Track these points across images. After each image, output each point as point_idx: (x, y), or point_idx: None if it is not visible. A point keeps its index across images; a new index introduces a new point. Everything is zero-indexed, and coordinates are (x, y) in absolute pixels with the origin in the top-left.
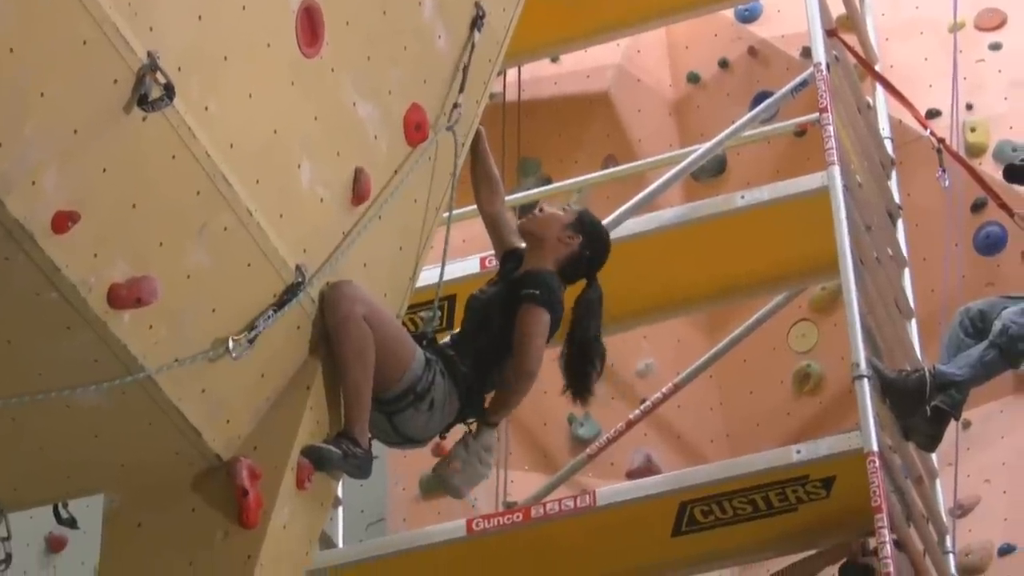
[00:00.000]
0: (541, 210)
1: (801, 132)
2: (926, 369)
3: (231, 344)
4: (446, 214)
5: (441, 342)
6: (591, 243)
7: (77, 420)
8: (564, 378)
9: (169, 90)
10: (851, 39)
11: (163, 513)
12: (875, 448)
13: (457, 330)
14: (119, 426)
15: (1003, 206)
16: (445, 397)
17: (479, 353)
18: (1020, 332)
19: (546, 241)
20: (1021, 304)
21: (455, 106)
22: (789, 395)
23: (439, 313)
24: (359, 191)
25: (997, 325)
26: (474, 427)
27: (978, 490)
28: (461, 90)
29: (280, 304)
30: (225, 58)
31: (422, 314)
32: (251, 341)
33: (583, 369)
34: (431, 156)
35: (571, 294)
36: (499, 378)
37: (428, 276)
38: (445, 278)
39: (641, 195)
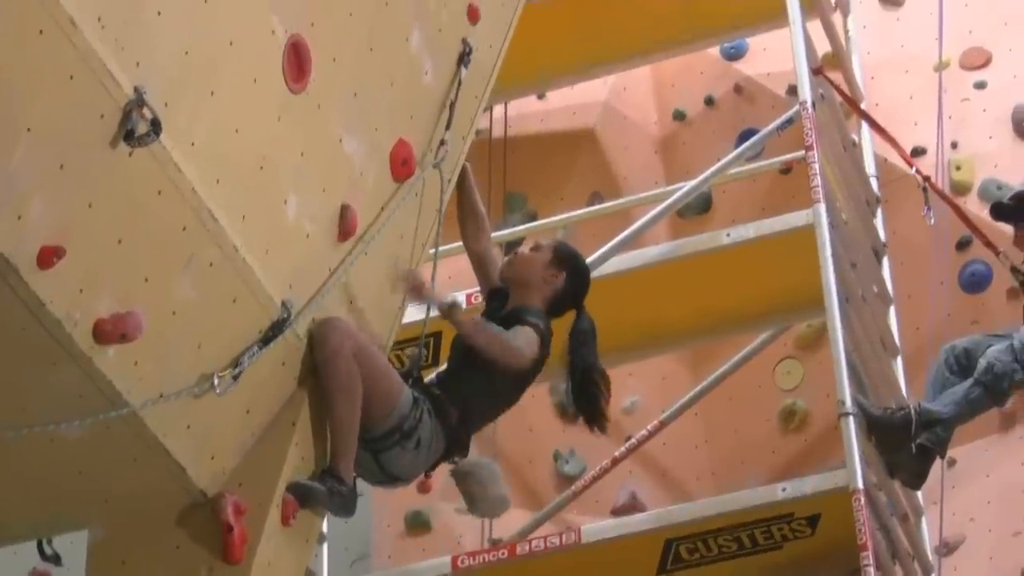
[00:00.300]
0: (516, 254)
1: (787, 169)
2: (911, 407)
3: (216, 380)
4: (432, 250)
5: (427, 380)
6: (573, 277)
7: (62, 455)
8: (576, 410)
9: (156, 125)
10: (837, 77)
11: (148, 549)
12: (860, 485)
13: (443, 367)
14: (104, 461)
15: (988, 244)
16: (432, 436)
17: (465, 391)
18: (1005, 370)
19: (530, 282)
20: (1006, 342)
21: (442, 143)
22: (775, 432)
23: (425, 351)
24: (345, 227)
25: (982, 363)
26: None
27: (963, 528)
28: (448, 127)
29: (266, 340)
30: (212, 93)
31: (408, 351)
32: (236, 377)
33: (591, 396)
34: (417, 192)
35: (561, 328)
36: (488, 416)
37: (413, 313)
38: (431, 315)
39: (627, 232)
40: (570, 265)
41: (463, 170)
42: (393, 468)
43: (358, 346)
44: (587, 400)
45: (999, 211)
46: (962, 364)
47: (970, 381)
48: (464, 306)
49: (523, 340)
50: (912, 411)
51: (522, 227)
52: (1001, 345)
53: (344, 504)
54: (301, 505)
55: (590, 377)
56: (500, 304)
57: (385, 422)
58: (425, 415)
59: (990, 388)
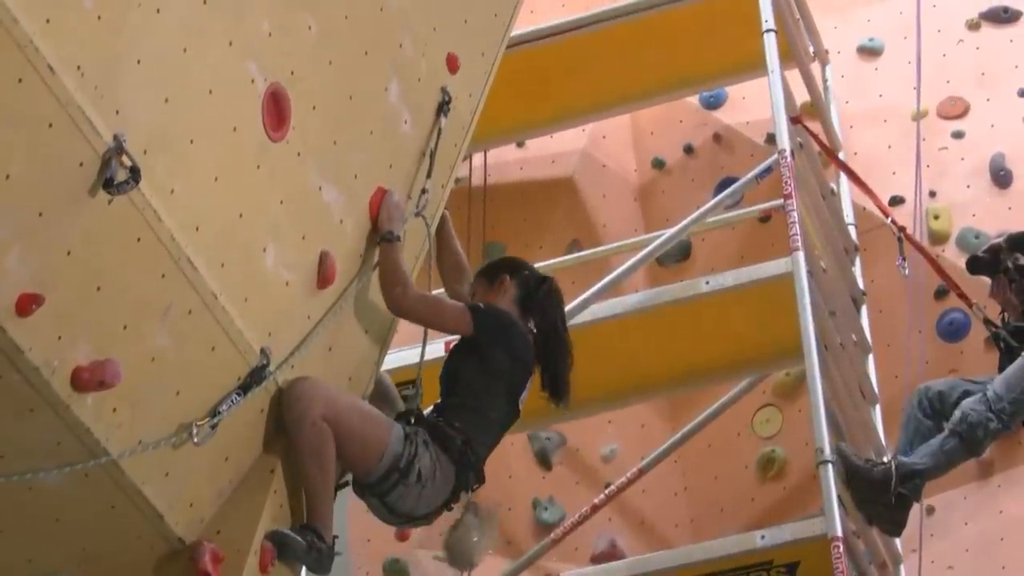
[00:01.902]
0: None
1: (765, 218)
2: (891, 462)
3: (195, 430)
4: None
5: (426, 415)
6: (512, 270)
7: (39, 503)
8: (541, 382)
9: (135, 173)
10: (815, 126)
11: None
12: (839, 533)
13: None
14: (81, 509)
15: (962, 296)
16: (433, 465)
17: (459, 411)
18: (979, 419)
19: (491, 300)
20: (980, 392)
21: (423, 191)
22: (753, 480)
23: (421, 390)
24: (324, 274)
25: (957, 414)
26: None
27: None
28: (428, 175)
29: (244, 388)
30: (191, 141)
31: (404, 392)
32: (214, 427)
33: (553, 361)
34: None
35: None
36: (491, 434)
37: (391, 359)
38: (408, 362)
39: (606, 280)
40: (506, 266)
41: (443, 219)
42: (402, 507)
43: (328, 405)
44: (549, 366)
45: (975, 265)
46: (936, 408)
47: (945, 432)
48: (443, 353)
49: (430, 298)
50: (891, 466)
51: None
52: (975, 396)
53: (320, 561)
54: (278, 555)
55: (550, 340)
56: None
57: (379, 466)
58: (420, 448)
59: (966, 438)
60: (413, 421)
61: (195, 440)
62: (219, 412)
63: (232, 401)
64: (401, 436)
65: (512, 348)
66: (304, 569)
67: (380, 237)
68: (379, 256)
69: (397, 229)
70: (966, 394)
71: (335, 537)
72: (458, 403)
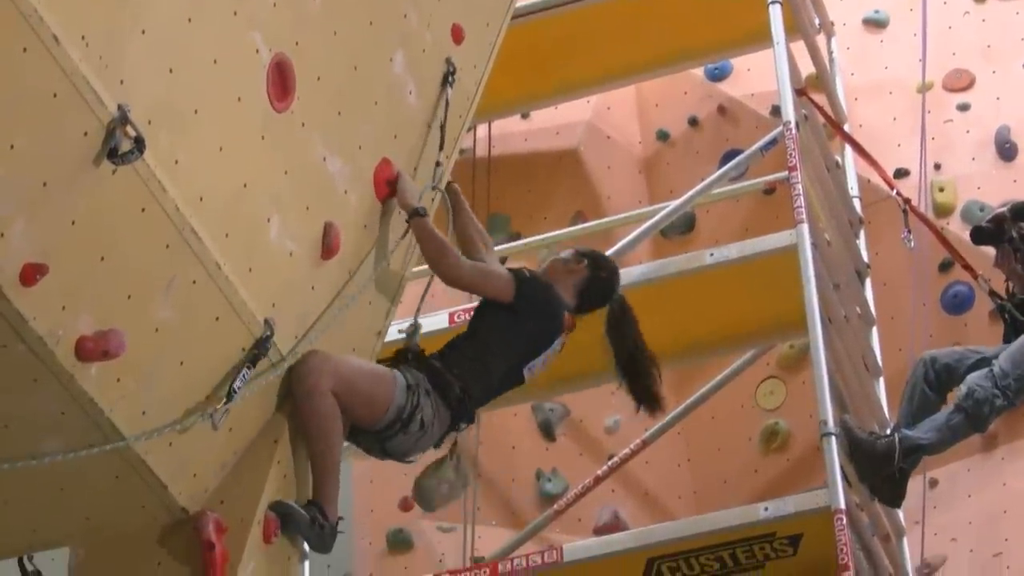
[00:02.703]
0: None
1: (770, 190)
2: (895, 435)
3: (217, 415)
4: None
5: (429, 356)
6: (599, 264)
7: (43, 472)
8: (633, 398)
9: (139, 143)
10: (820, 98)
11: (128, 567)
12: (842, 506)
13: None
14: (85, 479)
15: (967, 267)
16: (433, 413)
17: (464, 360)
18: (985, 396)
19: (558, 277)
20: (986, 368)
21: (437, 164)
22: (756, 452)
23: (420, 324)
24: (328, 246)
25: (962, 389)
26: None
27: (944, 549)
28: (441, 147)
29: (253, 360)
30: (196, 111)
31: (403, 327)
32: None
33: (642, 380)
34: (400, 211)
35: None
36: (491, 388)
37: (395, 332)
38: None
39: (610, 252)
40: (591, 256)
41: (454, 192)
42: (398, 451)
43: (338, 378)
44: (639, 385)
45: (979, 235)
46: (942, 380)
47: (951, 407)
48: (447, 324)
49: (478, 266)
50: (895, 439)
51: (505, 246)
52: (980, 371)
53: (322, 538)
54: (282, 528)
55: (636, 360)
56: None
57: (384, 418)
58: (422, 397)
59: (971, 415)
60: (411, 358)
61: (217, 426)
62: (234, 391)
63: (244, 376)
64: (404, 387)
65: (542, 320)
66: (307, 546)
67: (409, 216)
68: (416, 233)
69: (421, 203)
70: (972, 367)
71: (340, 518)
72: (464, 353)
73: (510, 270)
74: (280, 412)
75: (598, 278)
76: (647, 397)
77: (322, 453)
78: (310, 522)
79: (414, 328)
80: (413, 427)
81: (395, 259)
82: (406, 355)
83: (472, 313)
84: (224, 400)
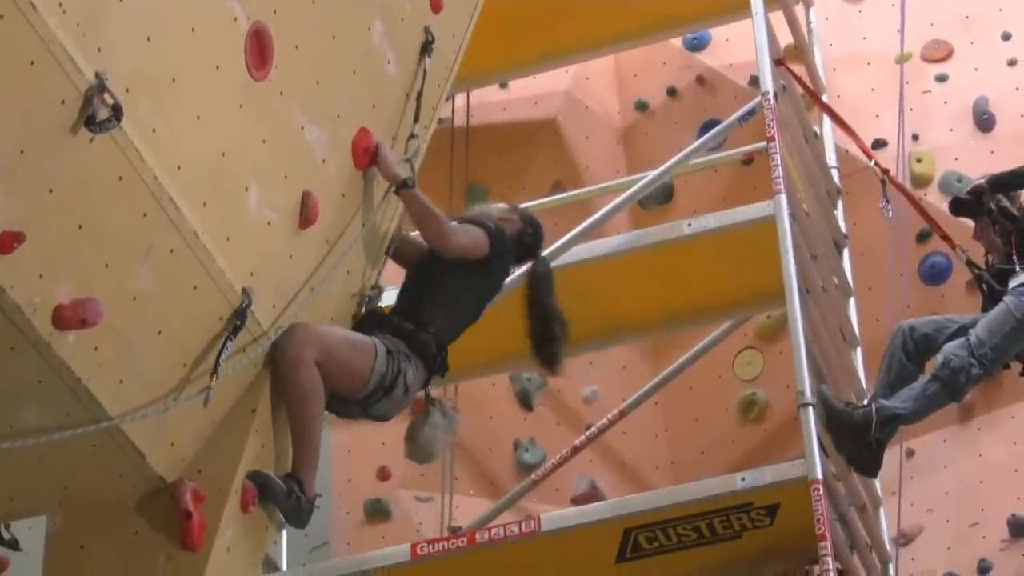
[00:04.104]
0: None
1: (748, 160)
2: (872, 406)
3: (209, 394)
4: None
5: (391, 315)
6: (529, 220)
7: None
8: (532, 351)
9: (117, 111)
10: (799, 69)
11: (106, 535)
12: (819, 476)
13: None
14: (63, 448)
15: (945, 238)
16: (415, 374)
17: (435, 311)
18: (961, 365)
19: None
20: (962, 338)
21: (411, 136)
22: (734, 423)
23: (383, 288)
24: (307, 215)
25: (939, 358)
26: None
27: (921, 519)
28: (416, 119)
29: (233, 331)
30: (173, 80)
31: (368, 293)
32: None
33: (548, 337)
34: (379, 181)
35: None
36: (457, 331)
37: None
38: (382, 303)
39: (588, 222)
40: (521, 211)
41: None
42: (379, 413)
43: (321, 349)
44: (543, 340)
45: (957, 206)
46: (920, 350)
47: (927, 377)
48: None
49: (462, 229)
50: (872, 409)
51: None
52: (957, 341)
53: (298, 511)
54: (259, 497)
55: (546, 317)
56: None
57: (367, 387)
58: (403, 362)
59: (947, 384)
60: (379, 321)
61: (207, 403)
62: (219, 366)
63: (227, 351)
64: (384, 356)
65: (508, 265)
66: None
67: (396, 188)
68: (409, 206)
69: (406, 174)
70: (951, 337)
71: (318, 495)
72: (436, 305)
73: (473, 223)
74: (258, 381)
75: (528, 231)
76: (547, 356)
77: (304, 426)
78: (287, 493)
79: (377, 293)
80: (397, 392)
81: (375, 223)
82: (374, 318)
83: (417, 269)
84: (213, 376)
